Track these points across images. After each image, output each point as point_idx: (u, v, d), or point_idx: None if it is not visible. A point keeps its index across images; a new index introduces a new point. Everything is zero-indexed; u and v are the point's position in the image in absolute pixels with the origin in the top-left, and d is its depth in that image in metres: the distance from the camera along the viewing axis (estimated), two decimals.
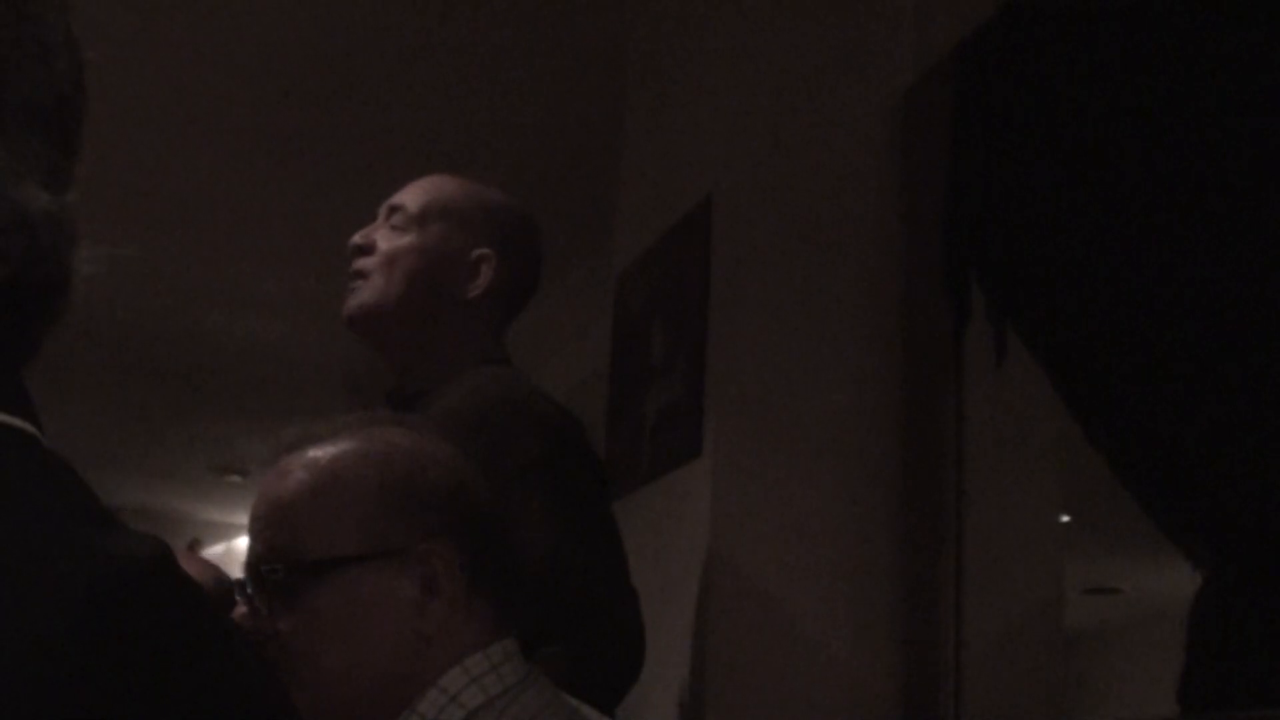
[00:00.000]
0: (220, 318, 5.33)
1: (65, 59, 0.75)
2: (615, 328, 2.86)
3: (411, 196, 1.94)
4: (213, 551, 7.86)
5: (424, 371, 1.90)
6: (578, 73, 3.44)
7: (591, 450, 1.95)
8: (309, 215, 4.35)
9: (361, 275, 1.91)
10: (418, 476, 1.18)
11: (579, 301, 4.04)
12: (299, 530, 1.17)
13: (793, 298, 2.47)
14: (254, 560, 1.18)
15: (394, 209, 1.94)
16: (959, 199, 2.36)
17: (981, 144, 2.33)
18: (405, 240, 1.90)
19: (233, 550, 8.12)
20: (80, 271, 0.73)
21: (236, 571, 1.28)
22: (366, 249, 1.92)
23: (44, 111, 0.74)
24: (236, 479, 7.47)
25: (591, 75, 3.38)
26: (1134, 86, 2.04)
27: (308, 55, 3.51)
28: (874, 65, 2.61)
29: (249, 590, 1.18)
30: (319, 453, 1.20)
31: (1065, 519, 2.59)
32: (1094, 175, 2.10)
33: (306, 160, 4.04)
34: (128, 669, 0.63)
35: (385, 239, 1.91)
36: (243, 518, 8.21)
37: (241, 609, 1.19)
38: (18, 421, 0.70)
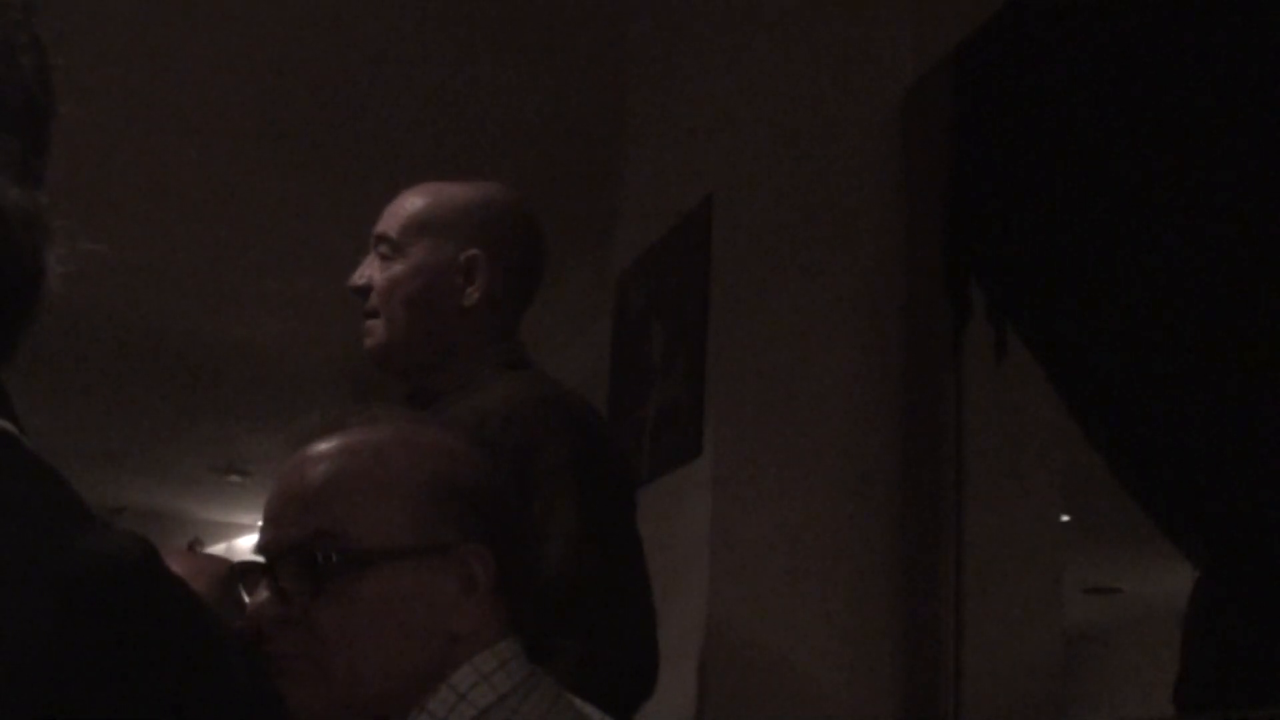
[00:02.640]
0: (220, 318, 5.33)
1: (31, 59, 0.75)
2: (615, 328, 2.86)
3: (390, 222, 1.93)
4: (212, 552, 7.85)
5: (442, 378, 1.89)
6: (578, 73, 3.44)
7: (621, 454, 1.94)
8: (309, 215, 4.35)
9: (371, 315, 1.91)
10: (461, 472, 1.16)
11: (579, 301, 4.04)
12: (345, 516, 1.12)
13: (793, 298, 2.47)
14: (290, 544, 1.13)
15: (379, 239, 1.93)
16: (959, 199, 2.36)
17: (981, 144, 2.33)
18: (395, 269, 1.90)
19: (233, 550, 8.12)
20: (55, 269, 0.73)
21: None
22: (366, 289, 1.91)
23: (12, 110, 0.73)
24: (236, 479, 7.46)
25: (591, 75, 3.38)
26: (1134, 86, 2.04)
27: (308, 56, 3.50)
28: (874, 65, 2.61)
29: (277, 575, 1.13)
30: (360, 438, 1.17)
31: (1065, 519, 2.59)
32: (1094, 175, 2.10)
33: (306, 160, 4.04)
34: (106, 665, 0.64)
35: (379, 272, 1.91)
36: (243, 518, 8.21)
37: (261, 595, 1.13)
38: None
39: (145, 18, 3.32)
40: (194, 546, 6.36)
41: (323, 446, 1.17)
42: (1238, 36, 1.89)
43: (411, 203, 1.94)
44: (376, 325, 1.90)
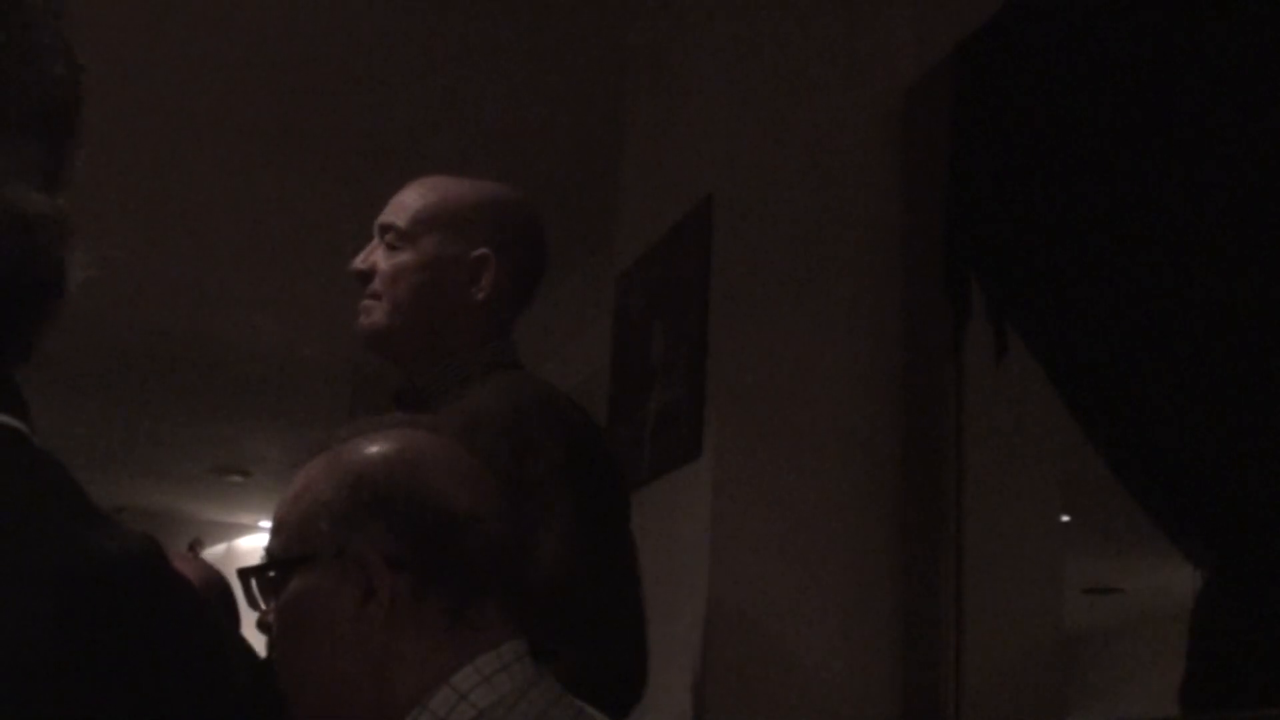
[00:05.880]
0: (220, 318, 5.32)
1: (59, 63, 0.75)
2: (615, 328, 2.86)
3: (399, 212, 1.93)
4: (213, 551, 7.84)
5: (437, 374, 1.90)
6: (578, 73, 3.44)
7: (613, 455, 1.95)
8: (309, 215, 4.35)
9: (373, 298, 1.91)
10: (367, 481, 1.19)
11: (579, 301, 4.04)
12: (278, 532, 1.23)
13: (793, 298, 2.47)
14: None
15: (385, 228, 1.93)
16: (959, 199, 2.36)
17: (981, 144, 2.33)
18: (403, 258, 1.90)
19: (233, 550, 8.11)
20: (76, 275, 0.73)
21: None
22: (369, 274, 1.92)
23: (38, 114, 0.74)
24: (237, 479, 7.46)
25: (591, 75, 3.38)
26: (1134, 86, 2.04)
27: (307, 55, 3.51)
28: (874, 65, 2.61)
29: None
30: (316, 457, 1.25)
31: (1065, 519, 2.59)
32: (1093, 175, 2.10)
33: (306, 160, 4.04)
34: (110, 662, 0.64)
35: (384, 259, 1.92)
36: (243, 518, 8.22)
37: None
38: (8, 419, 0.71)
39: (145, 18, 3.32)
40: (194, 547, 6.36)
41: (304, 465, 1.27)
42: (1237, 36, 1.89)
43: (421, 195, 1.94)
44: (376, 306, 1.91)
